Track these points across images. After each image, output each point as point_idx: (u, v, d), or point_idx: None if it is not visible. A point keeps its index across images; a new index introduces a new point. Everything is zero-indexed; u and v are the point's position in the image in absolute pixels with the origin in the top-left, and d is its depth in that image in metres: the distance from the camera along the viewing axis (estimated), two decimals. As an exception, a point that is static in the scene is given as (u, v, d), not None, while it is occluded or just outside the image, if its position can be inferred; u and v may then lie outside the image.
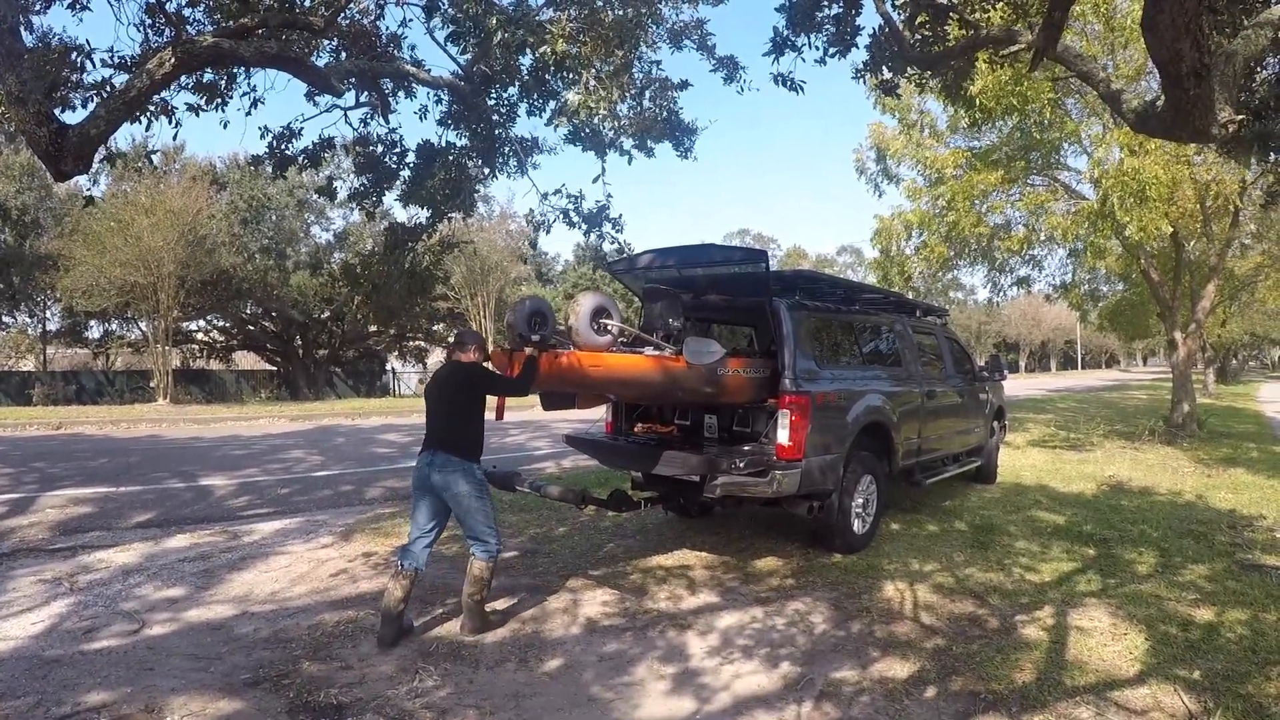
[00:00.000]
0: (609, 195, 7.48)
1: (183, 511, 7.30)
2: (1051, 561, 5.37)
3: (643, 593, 4.64)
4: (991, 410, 8.56)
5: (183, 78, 5.65)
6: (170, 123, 5.72)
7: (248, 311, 30.25)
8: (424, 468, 3.93)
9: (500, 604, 4.42)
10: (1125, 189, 8.85)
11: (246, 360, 36.64)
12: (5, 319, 29.16)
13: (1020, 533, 6.20)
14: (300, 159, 6.72)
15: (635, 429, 5.96)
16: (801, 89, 5.90)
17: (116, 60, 5.16)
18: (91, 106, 4.76)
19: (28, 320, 29.82)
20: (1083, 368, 73.70)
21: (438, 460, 3.90)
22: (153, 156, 6.67)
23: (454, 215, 7.11)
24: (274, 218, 28.21)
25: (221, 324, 31.41)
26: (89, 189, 24.51)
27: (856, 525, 5.50)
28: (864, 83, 6.62)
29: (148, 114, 5.38)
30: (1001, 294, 16.11)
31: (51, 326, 29.97)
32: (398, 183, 7.04)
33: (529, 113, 6.84)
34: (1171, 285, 13.64)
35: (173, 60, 4.32)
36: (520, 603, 4.46)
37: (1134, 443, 12.34)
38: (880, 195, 14.81)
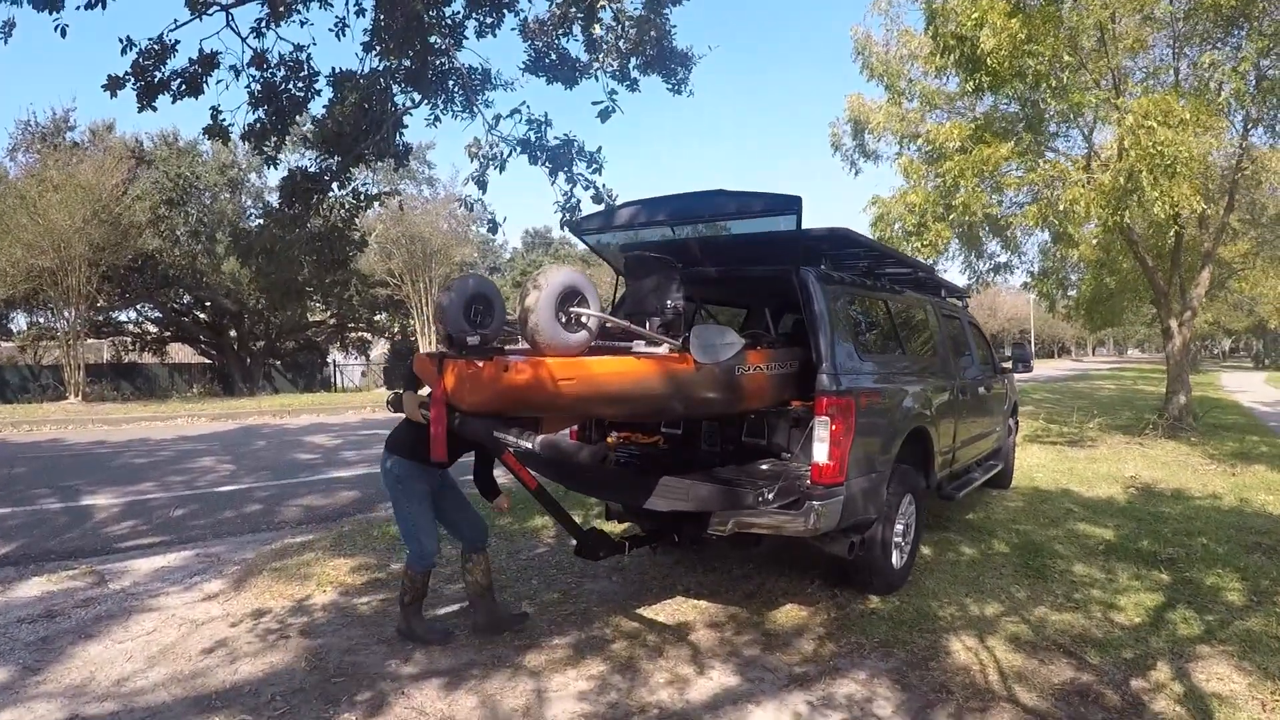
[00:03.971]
0: (613, 93, 5.48)
1: (48, 543, 5.84)
2: (1127, 593, 4.42)
3: (632, 672, 3.36)
4: (1010, 406, 7.58)
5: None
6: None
7: (181, 301, 27.98)
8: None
9: (436, 700, 3.14)
10: (1154, 163, 7.91)
11: (182, 353, 34.21)
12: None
13: (1071, 553, 5.24)
14: (176, 85, 5.06)
15: (608, 440, 4.64)
16: None
17: None
18: None
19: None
20: (1036, 357, 75.01)
21: None
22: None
23: (374, 160, 5.48)
24: (208, 198, 25.94)
25: (153, 314, 29.03)
26: None
27: (895, 558, 4.33)
28: None
29: None
30: (979, 281, 15.37)
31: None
32: (305, 118, 5.43)
33: (479, 33, 5.30)
34: (1168, 271, 12.94)
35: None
36: (463, 696, 3.15)
37: (1136, 437, 11.59)
38: (857, 174, 13.82)
